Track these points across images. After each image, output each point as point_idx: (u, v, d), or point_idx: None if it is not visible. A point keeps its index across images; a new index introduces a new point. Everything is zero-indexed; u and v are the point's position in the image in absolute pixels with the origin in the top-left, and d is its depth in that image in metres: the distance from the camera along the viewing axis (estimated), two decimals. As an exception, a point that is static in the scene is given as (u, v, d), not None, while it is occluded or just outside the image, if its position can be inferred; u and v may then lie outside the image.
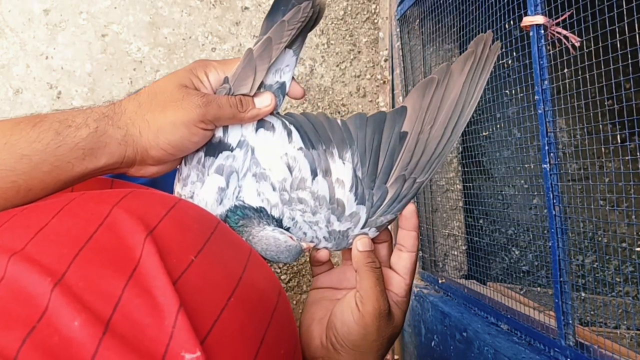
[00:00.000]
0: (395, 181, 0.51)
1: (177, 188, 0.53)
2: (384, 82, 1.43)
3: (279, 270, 1.43)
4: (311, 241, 0.52)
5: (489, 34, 0.52)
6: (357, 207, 0.50)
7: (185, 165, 0.52)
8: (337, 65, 1.49)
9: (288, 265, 1.41)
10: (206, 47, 1.45)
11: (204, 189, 0.50)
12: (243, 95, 0.51)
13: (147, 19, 1.44)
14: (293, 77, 0.55)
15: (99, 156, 0.45)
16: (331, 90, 1.48)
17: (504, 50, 0.87)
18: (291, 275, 1.41)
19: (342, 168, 0.50)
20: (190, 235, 0.42)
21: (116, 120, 0.46)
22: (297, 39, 0.53)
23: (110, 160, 0.46)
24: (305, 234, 0.51)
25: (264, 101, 0.51)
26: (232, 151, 0.51)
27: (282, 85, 0.54)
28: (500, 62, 0.91)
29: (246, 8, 1.46)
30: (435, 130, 0.51)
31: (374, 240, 0.53)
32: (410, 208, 0.51)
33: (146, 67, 1.43)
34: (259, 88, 0.52)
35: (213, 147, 0.51)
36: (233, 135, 0.51)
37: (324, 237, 0.52)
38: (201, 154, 0.51)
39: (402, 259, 0.52)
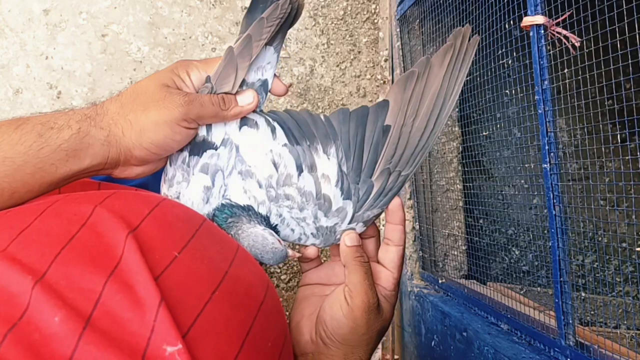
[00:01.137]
0: (380, 175, 0.51)
1: (164, 189, 0.53)
2: (384, 82, 1.43)
3: (279, 270, 1.43)
4: (299, 238, 0.52)
5: (467, 27, 0.53)
6: (343, 202, 0.51)
7: (171, 165, 0.52)
8: (337, 65, 1.49)
9: (288, 265, 1.41)
10: (206, 47, 1.45)
11: (189, 189, 0.51)
12: (225, 93, 0.51)
13: (147, 19, 1.44)
14: (275, 74, 0.55)
15: (83, 157, 0.46)
16: (331, 90, 1.48)
17: (504, 50, 0.87)
18: (291, 275, 1.41)
19: (327, 163, 0.51)
20: (173, 232, 0.43)
21: (99, 121, 0.46)
22: (277, 36, 0.54)
23: (94, 161, 0.46)
24: (293, 230, 0.52)
25: (246, 99, 0.51)
26: (216, 150, 0.51)
27: (264, 83, 0.54)
28: (500, 62, 0.91)
29: (246, 8, 1.46)
30: (418, 123, 0.51)
31: (361, 236, 0.53)
32: (396, 202, 0.52)
33: (146, 67, 1.43)
34: (241, 86, 0.52)
35: (197, 146, 0.51)
36: (217, 134, 0.51)
37: (311, 234, 0.52)
38: (185, 153, 0.51)
39: (390, 253, 0.53)
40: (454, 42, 0.52)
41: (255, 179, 0.50)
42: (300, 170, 0.50)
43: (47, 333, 0.33)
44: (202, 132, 0.51)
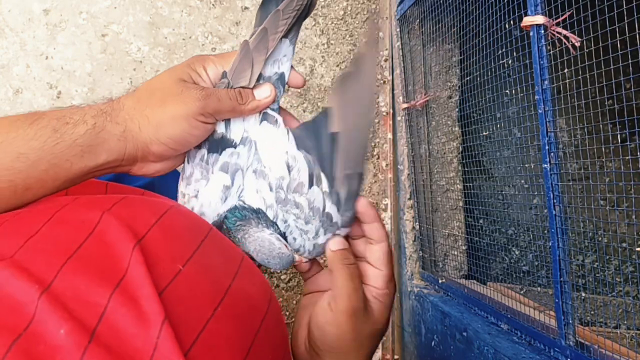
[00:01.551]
0: (343, 181, 0.51)
1: (181, 187, 0.52)
2: (384, 82, 1.43)
3: (279, 269, 1.43)
4: (298, 249, 0.52)
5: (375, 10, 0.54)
6: (337, 217, 0.50)
7: (188, 163, 0.51)
8: (337, 65, 1.49)
9: (288, 265, 1.41)
10: (206, 47, 1.45)
11: (209, 187, 0.50)
12: (242, 87, 0.50)
13: (147, 19, 1.44)
14: (292, 67, 0.54)
15: (98, 153, 0.45)
16: (331, 90, 1.48)
17: (504, 50, 0.87)
18: (291, 275, 1.41)
19: (324, 178, 0.50)
20: (179, 243, 0.42)
21: (114, 117, 0.46)
22: (293, 28, 0.53)
23: (109, 157, 0.46)
24: (294, 239, 0.51)
25: (264, 92, 0.50)
26: (235, 148, 0.50)
27: (281, 76, 0.53)
28: (500, 62, 0.91)
29: (246, 8, 1.46)
30: (358, 121, 0.51)
31: (350, 237, 0.53)
32: (363, 202, 0.51)
33: (146, 67, 1.43)
34: (257, 80, 0.51)
35: (216, 144, 0.50)
36: (236, 131, 0.51)
37: (308, 250, 0.51)
38: (204, 150, 0.50)
39: (375, 252, 0.52)
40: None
41: (267, 180, 0.50)
42: (311, 182, 0.50)
43: (53, 345, 0.32)
44: (221, 128, 0.50)
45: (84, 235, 0.39)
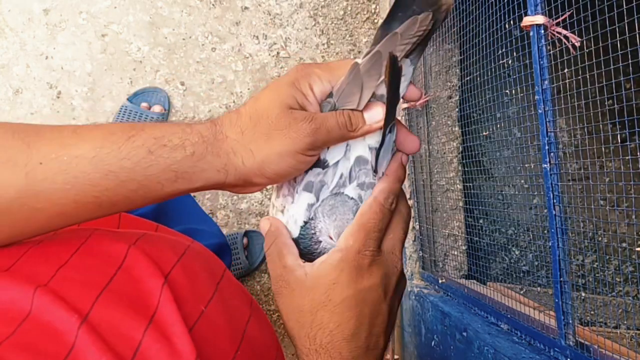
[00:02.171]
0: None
1: (273, 197, 0.50)
2: (384, 82, 1.43)
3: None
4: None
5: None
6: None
7: None
8: (337, 65, 1.49)
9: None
10: (206, 46, 1.45)
11: (295, 206, 0.47)
12: (351, 110, 0.44)
13: (147, 19, 1.44)
14: (411, 81, 0.48)
15: (194, 180, 0.42)
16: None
17: (504, 50, 0.87)
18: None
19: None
20: (199, 284, 0.42)
21: (216, 147, 0.42)
22: (416, 49, 0.47)
23: (206, 184, 0.43)
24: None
25: (375, 116, 0.44)
26: (323, 169, 0.46)
27: None
28: (500, 62, 0.91)
29: (246, 8, 1.46)
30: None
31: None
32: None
33: (146, 67, 1.43)
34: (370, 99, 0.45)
35: None
36: (334, 154, 0.46)
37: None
38: None
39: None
40: None
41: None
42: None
43: None
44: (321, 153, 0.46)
45: (113, 268, 0.39)
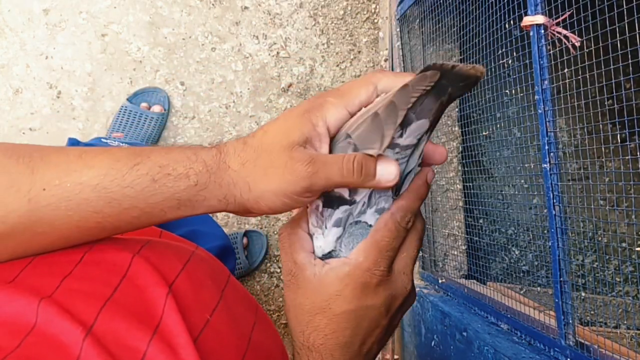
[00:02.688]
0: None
1: (310, 218, 0.48)
2: (384, 81, 1.43)
3: (279, 270, 1.43)
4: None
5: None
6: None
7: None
8: (337, 65, 1.49)
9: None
10: (206, 46, 1.45)
11: (324, 240, 0.46)
12: (365, 155, 0.42)
13: (146, 19, 1.44)
14: (429, 140, 0.47)
15: (196, 208, 0.42)
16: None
17: (504, 50, 0.87)
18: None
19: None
20: (204, 292, 0.42)
21: (218, 177, 0.42)
22: (433, 110, 0.45)
23: (208, 211, 0.43)
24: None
25: (388, 174, 0.42)
26: (351, 205, 0.45)
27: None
28: (500, 62, 0.91)
29: (246, 8, 1.46)
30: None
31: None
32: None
33: (146, 67, 1.43)
34: (392, 148, 0.44)
35: (332, 200, 0.45)
36: (360, 193, 0.45)
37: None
38: (319, 202, 0.45)
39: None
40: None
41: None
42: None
43: None
44: (343, 191, 0.45)
45: (118, 278, 0.39)
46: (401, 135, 0.44)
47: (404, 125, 0.44)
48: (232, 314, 0.43)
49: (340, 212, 0.45)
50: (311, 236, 0.46)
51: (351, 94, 0.44)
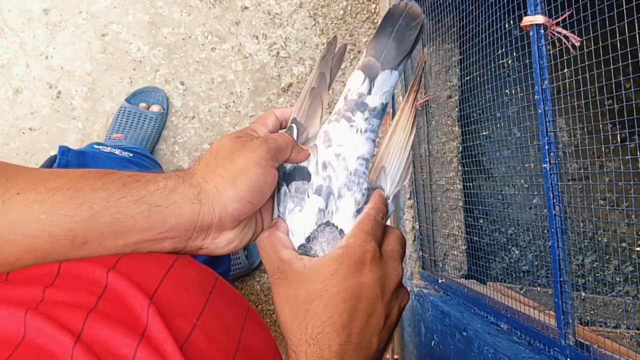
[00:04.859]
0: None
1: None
2: (384, 81, 1.43)
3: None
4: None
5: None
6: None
7: (278, 206, 0.51)
8: (337, 65, 1.48)
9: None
10: (206, 46, 1.45)
11: (306, 215, 0.49)
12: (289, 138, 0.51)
13: (146, 19, 1.44)
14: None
15: (167, 216, 0.43)
16: (331, 90, 1.48)
17: (504, 50, 0.87)
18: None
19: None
20: (190, 297, 0.42)
21: (187, 180, 0.45)
22: (404, 59, 0.53)
23: (180, 222, 0.43)
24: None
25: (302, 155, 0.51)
26: (309, 179, 0.50)
27: (385, 106, 0.53)
28: (500, 62, 0.91)
29: (246, 8, 1.46)
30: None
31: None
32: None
33: (146, 67, 1.43)
34: (363, 110, 0.52)
35: (292, 174, 0.50)
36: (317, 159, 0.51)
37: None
38: (283, 184, 0.51)
39: None
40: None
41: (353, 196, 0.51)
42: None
43: None
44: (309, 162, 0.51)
45: (95, 298, 0.39)
46: (369, 92, 0.51)
47: (371, 77, 0.51)
48: (221, 317, 0.43)
49: (307, 186, 0.50)
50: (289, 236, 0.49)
51: (263, 119, 0.53)
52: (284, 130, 0.53)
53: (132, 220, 0.42)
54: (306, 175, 0.50)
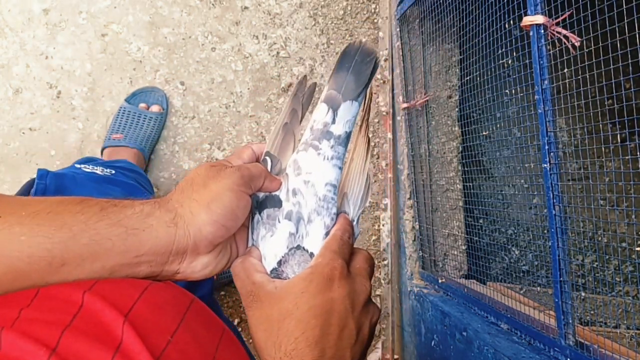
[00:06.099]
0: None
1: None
2: (384, 81, 1.43)
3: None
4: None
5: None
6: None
7: (252, 234, 0.54)
8: (337, 65, 1.48)
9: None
10: (206, 46, 1.45)
11: (277, 241, 0.52)
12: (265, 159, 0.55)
13: (146, 19, 1.44)
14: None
15: (144, 240, 0.44)
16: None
17: (504, 50, 0.87)
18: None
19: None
20: (164, 316, 0.43)
21: (163, 205, 0.47)
22: (362, 92, 0.57)
23: (155, 246, 0.45)
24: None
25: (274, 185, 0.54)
26: (280, 206, 0.53)
27: (349, 135, 0.57)
28: (500, 62, 0.91)
29: (246, 8, 1.46)
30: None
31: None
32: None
33: (146, 67, 1.43)
34: (328, 139, 0.55)
35: (264, 203, 0.53)
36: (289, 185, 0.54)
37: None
38: (256, 212, 0.53)
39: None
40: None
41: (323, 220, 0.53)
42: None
43: None
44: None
45: (75, 308, 0.40)
46: (333, 121, 0.55)
47: (334, 108, 0.56)
48: (195, 335, 0.44)
49: (279, 212, 0.53)
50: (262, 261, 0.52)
51: (240, 152, 0.56)
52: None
53: (109, 242, 0.43)
54: (277, 202, 0.53)
